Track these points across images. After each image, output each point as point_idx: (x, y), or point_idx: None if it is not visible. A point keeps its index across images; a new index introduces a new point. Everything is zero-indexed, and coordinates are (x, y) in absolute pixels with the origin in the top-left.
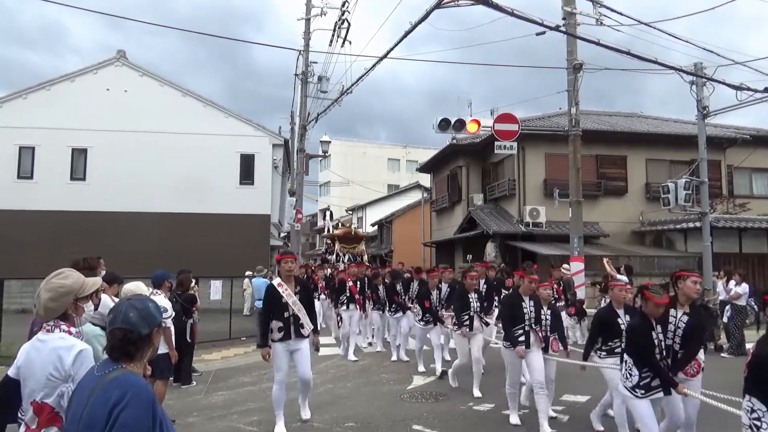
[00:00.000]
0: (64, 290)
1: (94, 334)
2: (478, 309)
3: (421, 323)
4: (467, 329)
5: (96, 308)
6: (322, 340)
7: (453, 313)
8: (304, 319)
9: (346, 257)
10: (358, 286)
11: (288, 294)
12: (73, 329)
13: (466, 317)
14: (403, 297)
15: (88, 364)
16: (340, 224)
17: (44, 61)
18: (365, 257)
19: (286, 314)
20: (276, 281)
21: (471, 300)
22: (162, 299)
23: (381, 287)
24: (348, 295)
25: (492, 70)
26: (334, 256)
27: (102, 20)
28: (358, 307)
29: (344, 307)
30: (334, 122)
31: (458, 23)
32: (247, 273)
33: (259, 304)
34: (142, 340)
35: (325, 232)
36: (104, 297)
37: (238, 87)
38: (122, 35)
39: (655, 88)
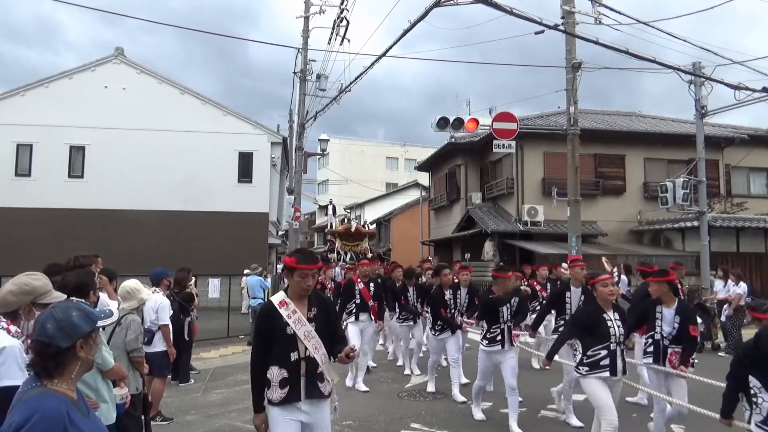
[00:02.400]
0: (29, 289)
1: None
2: (621, 339)
3: (486, 343)
4: (608, 373)
5: (95, 306)
6: None
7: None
8: (326, 365)
9: (348, 256)
10: (372, 289)
11: (297, 321)
12: (13, 328)
13: (605, 353)
14: (453, 310)
15: (11, 362)
16: (345, 219)
17: (39, 57)
18: (369, 255)
19: (293, 356)
20: (278, 297)
21: (611, 328)
22: (161, 297)
23: (412, 290)
24: (358, 301)
25: (490, 69)
26: (335, 255)
27: (97, 16)
28: (372, 317)
29: (352, 318)
30: (331, 120)
31: (456, 21)
32: (246, 271)
33: (254, 302)
34: (62, 354)
35: (328, 228)
36: (103, 296)
37: (234, 84)
38: (118, 32)
39: (652, 87)
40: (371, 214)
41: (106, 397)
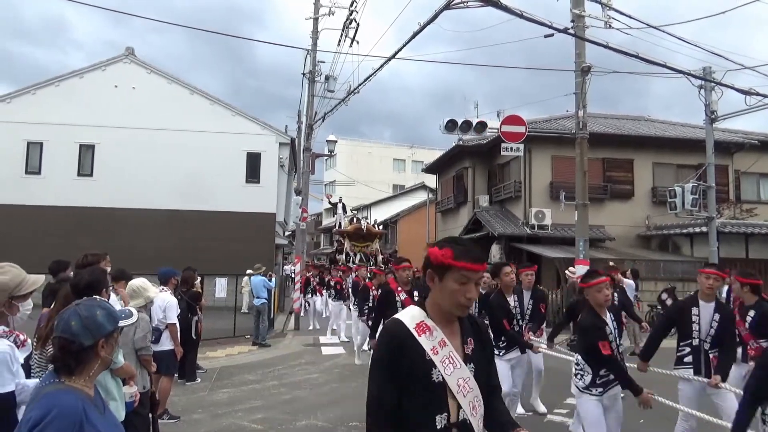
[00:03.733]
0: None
1: None
2: None
3: (599, 390)
4: None
5: None
6: (323, 339)
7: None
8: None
9: (357, 257)
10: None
11: (448, 359)
12: (2, 327)
13: None
14: (520, 322)
15: (2, 369)
16: (354, 219)
17: (47, 56)
18: (380, 257)
19: (440, 421)
20: (412, 316)
21: None
22: (169, 296)
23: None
24: (402, 301)
25: (497, 71)
26: (343, 255)
27: (105, 16)
28: None
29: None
30: (338, 121)
31: (464, 24)
32: (248, 272)
33: (257, 302)
34: (84, 352)
35: (336, 227)
36: (112, 294)
37: (241, 84)
38: (126, 31)
39: (660, 91)
40: (378, 215)
41: (115, 395)
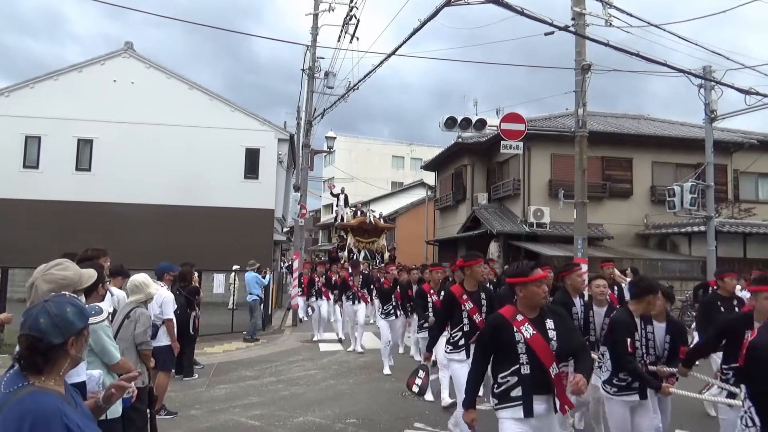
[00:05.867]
0: (66, 282)
1: (100, 325)
2: None
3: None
4: None
5: (103, 299)
6: (326, 335)
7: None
8: None
9: (362, 254)
10: (555, 327)
11: None
12: None
13: None
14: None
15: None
16: (359, 212)
17: (44, 50)
18: (386, 254)
19: None
20: None
21: None
22: (165, 291)
23: (579, 304)
24: (526, 370)
25: (496, 69)
26: (346, 252)
27: (103, 9)
28: (555, 402)
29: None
30: (337, 118)
31: (463, 21)
32: (235, 267)
33: (249, 298)
34: (53, 351)
35: (338, 221)
36: (119, 292)
37: (240, 80)
38: (124, 26)
39: (659, 90)
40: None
41: None
